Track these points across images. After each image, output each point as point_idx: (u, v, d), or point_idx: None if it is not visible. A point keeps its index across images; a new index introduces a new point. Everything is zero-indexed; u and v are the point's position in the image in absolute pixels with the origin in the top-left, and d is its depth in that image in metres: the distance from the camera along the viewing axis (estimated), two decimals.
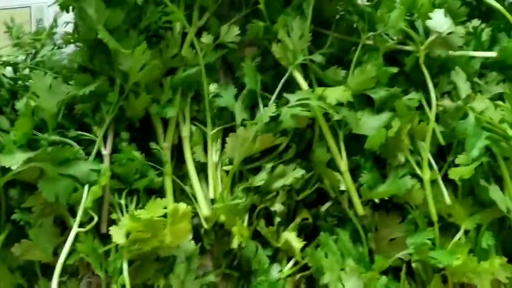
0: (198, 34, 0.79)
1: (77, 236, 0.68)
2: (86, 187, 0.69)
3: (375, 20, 0.75)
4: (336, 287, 0.72)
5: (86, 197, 0.68)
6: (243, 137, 0.74)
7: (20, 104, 0.69)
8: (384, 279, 0.73)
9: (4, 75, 0.71)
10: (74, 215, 0.69)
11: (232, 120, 0.80)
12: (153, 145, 0.76)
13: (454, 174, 0.71)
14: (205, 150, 0.79)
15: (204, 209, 0.76)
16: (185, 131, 0.79)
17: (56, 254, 0.70)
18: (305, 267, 0.77)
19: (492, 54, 0.73)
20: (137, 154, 0.74)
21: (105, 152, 0.73)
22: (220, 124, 0.80)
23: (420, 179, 0.73)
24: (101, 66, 0.74)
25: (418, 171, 0.72)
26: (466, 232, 0.74)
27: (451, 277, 0.73)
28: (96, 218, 0.68)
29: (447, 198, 0.73)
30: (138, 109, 0.74)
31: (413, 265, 0.75)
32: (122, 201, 0.71)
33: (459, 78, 0.75)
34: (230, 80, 0.85)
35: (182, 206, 0.68)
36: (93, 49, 0.74)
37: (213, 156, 0.79)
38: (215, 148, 0.79)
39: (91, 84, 0.72)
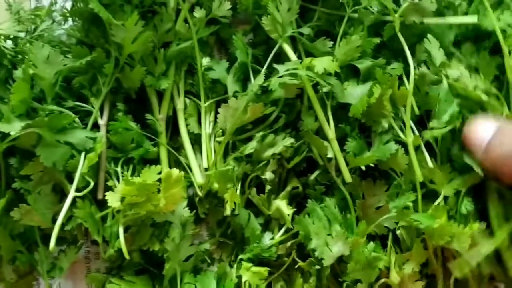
0: (192, 11, 0.79)
1: (75, 202, 0.68)
2: (83, 154, 0.69)
3: None
4: (323, 251, 0.72)
5: (82, 164, 0.68)
6: (234, 107, 0.75)
7: (18, 72, 0.69)
8: (371, 245, 0.74)
9: (5, 47, 0.72)
10: (71, 182, 0.69)
11: (225, 93, 0.80)
12: (148, 116, 0.77)
13: (428, 135, 0.73)
14: (199, 122, 0.80)
15: (198, 177, 0.76)
16: (180, 103, 0.79)
17: (55, 221, 0.70)
18: (297, 234, 0.77)
19: (470, 19, 0.73)
20: (132, 124, 0.74)
21: (102, 122, 0.74)
22: (213, 97, 0.80)
23: (403, 146, 0.73)
24: (97, 39, 0.74)
25: (401, 135, 0.73)
26: (447, 198, 0.75)
27: (429, 240, 0.73)
28: (92, 184, 0.68)
29: (429, 162, 0.73)
30: (134, 80, 0.75)
31: (398, 231, 0.75)
32: (118, 169, 0.72)
33: (432, 46, 0.75)
34: (224, 57, 0.86)
35: (175, 171, 0.68)
36: (89, 23, 0.75)
37: (207, 127, 0.79)
38: (209, 120, 0.80)
39: (88, 56, 0.72)
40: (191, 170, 0.78)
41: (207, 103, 0.79)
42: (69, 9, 0.78)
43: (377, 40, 0.75)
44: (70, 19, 0.80)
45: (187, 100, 0.80)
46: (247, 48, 0.80)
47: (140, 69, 0.74)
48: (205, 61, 0.80)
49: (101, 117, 0.75)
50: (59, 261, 0.74)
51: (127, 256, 0.66)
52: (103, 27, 0.74)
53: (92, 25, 0.75)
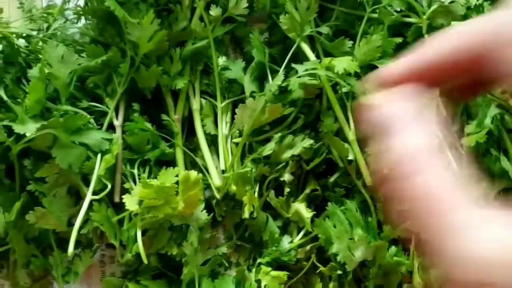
0: (207, 9, 0.77)
1: (91, 206, 0.66)
2: (99, 155, 0.67)
3: None
4: (345, 256, 0.70)
5: (99, 166, 0.66)
6: (252, 108, 0.72)
7: (33, 71, 0.67)
8: (393, 249, 0.72)
9: (18, 45, 0.70)
10: (87, 184, 0.67)
11: (241, 93, 0.78)
12: (164, 117, 0.75)
13: (470, 141, 0.70)
14: (215, 122, 0.78)
15: (216, 179, 0.74)
16: (196, 104, 0.77)
17: (70, 224, 0.69)
18: (316, 238, 0.75)
19: None
20: (148, 125, 0.72)
21: (117, 123, 0.72)
22: (230, 97, 0.78)
23: None
24: (111, 38, 0.72)
25: None
26: None
27: None
28: (109, 186, 0.66)
29: (454, 165, 0.71)
30: (149, 80, 0.73)
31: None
32: (135, 171, 0.70)
33: None
34: (239, 56, 0.84)
35: (193, 173, 0.66)
36: (103, 21, 0.73)
37: (223, 128, 0.77)
38: (225, 120, 0.78)
39: (103, 55, 0.70)
40: (208, 172, 0.75)
41: (223, 103, 0.77)
42: (82, 7, 0.76)
43: (398, 40, 0.73)
44: (83, 17, 0.78)
45: (203, 101, 0.78)
46: (264, 47, 0.78)
47: (156, 69, 0.72)
48: (221, 60, 0.78)
49: (117, 118, 0.73)
50: (74, 266, 0.72)
51: (145, 261, 0.64)
52: (118, 26, 0.72)
53: (107, 24, 0.72)
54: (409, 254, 0.72)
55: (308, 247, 0.76)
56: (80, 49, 0.73)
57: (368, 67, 0.74)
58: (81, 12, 0.75)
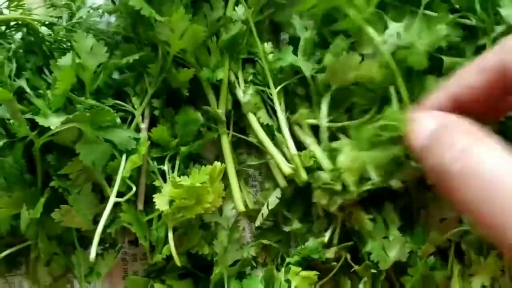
0: None
1: (115, 206, 0.61)
2: (124, 155, 0.61)
3: None
4: (379, 254, 0.66)
5: (124, 166, 0.61)
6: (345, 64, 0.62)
7: (63, 60, 0.62)
8: (432, 259, 0.68)
9: (42, 33, 0.64)
10: (111, 184, 0.62)
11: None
12: (207, 108, 0.69)
13: None
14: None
15: (285, 168, 0.67)
16: (243, 95, 0.69)
17: (96, 222, 0.64)
18: (346, 237, 0.71)
19: None
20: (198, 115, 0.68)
21: (143, 126, 0.67)
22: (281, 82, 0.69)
23: None
24: (144, 35, 0.66)
25: None
26: None
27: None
28: (134, 188, 0.61)
29: None
30: (182, 80, 0.67)
31: (463, 246, 0.69)
32: (165, 167, 0.65)
33: None
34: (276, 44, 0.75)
35: (218, 164, 0.61)
36: (135, 18, 0.66)
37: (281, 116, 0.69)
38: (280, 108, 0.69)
39: (136, 53, 0.65)
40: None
41: (277, 89, 0.68)
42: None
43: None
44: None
45: (250, 91, 0.70)
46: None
47: (188, 72, 0.66)
48: (268, 46, 0.70)
49: (142, 121, 0.67)
50: (97, 266, 0.67)
51: (179, 263, 0.59)
52: (150, 23, 0.65)
53: (139, 20, 0.66)
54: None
55: (338, 247, 0.72)
56: (108, 41, 0.67)
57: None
58: (111, 9, 0.69)
